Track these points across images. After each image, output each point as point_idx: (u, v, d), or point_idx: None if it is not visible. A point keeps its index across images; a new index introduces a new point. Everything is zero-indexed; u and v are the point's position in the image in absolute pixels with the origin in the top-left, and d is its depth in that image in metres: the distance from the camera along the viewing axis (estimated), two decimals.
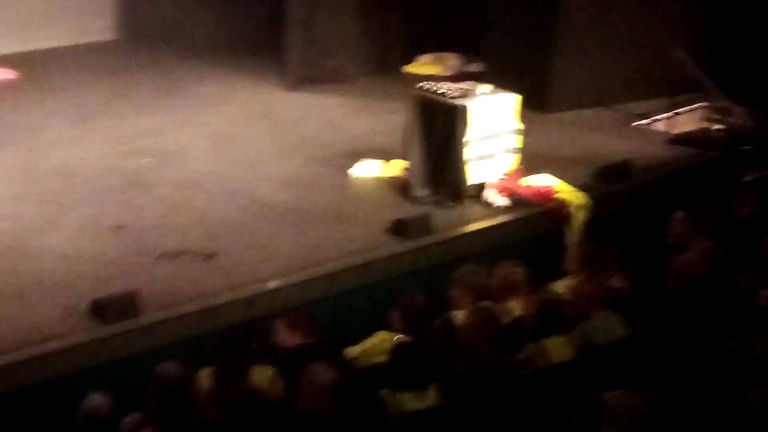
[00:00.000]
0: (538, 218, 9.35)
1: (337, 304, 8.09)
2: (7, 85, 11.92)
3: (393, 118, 10.39)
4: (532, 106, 11.28)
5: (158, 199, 9.31)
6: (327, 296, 8.08)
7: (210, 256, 8.24)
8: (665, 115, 12.08)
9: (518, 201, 9.40)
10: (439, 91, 9.47)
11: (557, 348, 6.84)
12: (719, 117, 12.10)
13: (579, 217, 9.45)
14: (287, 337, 6.91)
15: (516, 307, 7.42)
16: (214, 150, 10.48)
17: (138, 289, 7.50)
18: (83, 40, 13.63)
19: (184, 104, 11.71)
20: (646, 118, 12.09)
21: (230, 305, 7.66)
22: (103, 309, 7.30)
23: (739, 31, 12.96)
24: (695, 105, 12.61)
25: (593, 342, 7.02)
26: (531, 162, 9.90)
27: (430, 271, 8.52)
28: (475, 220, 9.17)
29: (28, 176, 9.64)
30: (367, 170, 9.92)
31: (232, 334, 6.95)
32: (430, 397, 6.21)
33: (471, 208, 9.35)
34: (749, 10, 12.90)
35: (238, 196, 9.41)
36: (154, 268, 8.08)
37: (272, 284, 7.87)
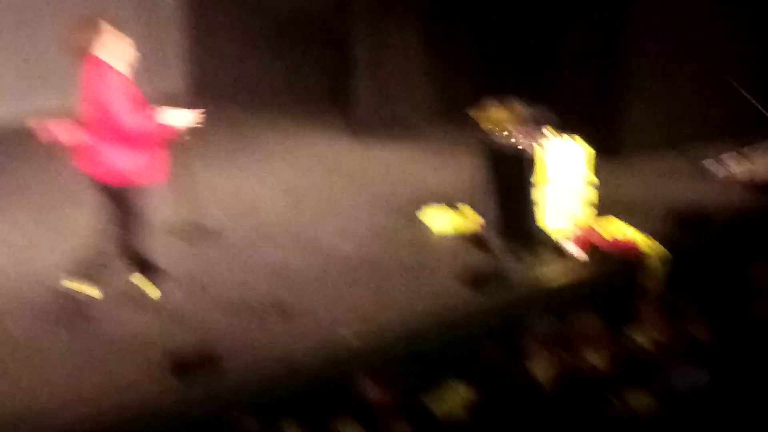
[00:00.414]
0: (615, 269, 9.23)
1: (416, 359, 8.01)
2: None
3: (463, 166, 10.34)
4: (604, 152, 11.19)
5: (232, 253, 9.31)
6: (405, 351, 8.00)
7: (287, 313, 8.21)
8: (741, 158, 11.94)
9: (596, 252, 9.29)
10: (509, 138, 9.40)
11: (639, 400, 6.72)
12: None
13: (657, 268, 9.33)
14: (373, 392, 6.86)
15: (595, 357, 7.34)
16: (286, 203, 10.49)
17: (216, 346, 7.46)
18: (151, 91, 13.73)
19: (253, 158, 11.76)
20: (721, 163, 11.94)
21: (309, 361, 7.61)
22: (183, 366, 7.27)
23: None
24: None
25: (675, 392, 6.92)
26: (608, 211, 9.81)
27: (508, 324, 8.43)
28: (553, 272, 9.08)
29: None
30: (441, 221, 9.87)
31: (315, 390, 6.92)
32: None
33: (548, 259, 9.27)
34: None
35: (312, 249, 9.39)
36: (231, 322, 8.07)
37: (351, 340, 7.81)
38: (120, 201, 7.94)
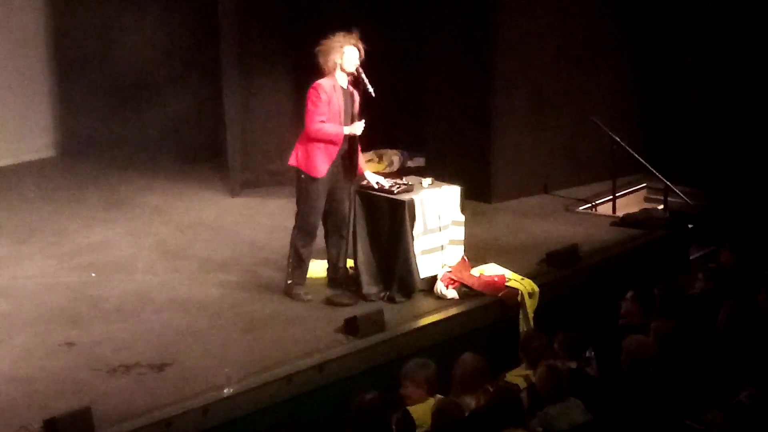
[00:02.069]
0: (489, 308, 9.35)
1: (293, 407, 8.02)
2: None
3: None
4: (476, 197, 11.43)
5: (106, 312, 9.22)
6: (283, 400, 7.99)
7: (163, 367, 8.15)
8: (607, 198, 12.23)
9: (468, 292, 9.41)
10: (383, 187, 9.51)
11: None
12: (660, 197, 12.26)
13: (529, 305, 9.47)
14: None
15: (473, 399, 7.40)
16: (160, 260, 10.42)
17: (91, 406, 7.36)
18: (24, 158, 13.61)
19: (128, 216, 11.65)
20: (589, 203, 12.22)
21: (185, 415, 7.54)
22: (56, 428, 7.15)
23: (674, 112, 13.20)
24: (636, 187, 12.79)
25: (553, 430, 6.99)
26: (478, 252, 9.99)
27: (386, 368, 8.48)
28: (427, 314, 9.15)
29: None
30: (316, 271, 9.89)
31: None
32: None
33: (422, 302, 9.36)
34: (682, 90, 13.14)
35: (187, 305, 9.34)
36: (107, 383, 7.96)
37: (227, 391, 7.77)
38: None
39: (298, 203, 9.37)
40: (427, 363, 7.64)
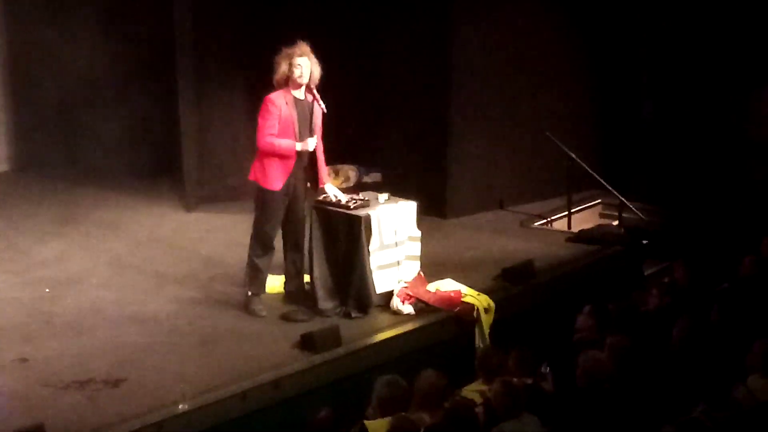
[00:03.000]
0: (445, 324, 9.36)
1: (249, 424, 7.98)
2: None
3: None
4: (432, 212, 11.47)
5: (59, 328, 9.14)
6: (238, 416, 7.95)
7: (117, 383, 8.08)
8: (562, 214, 12.29)
9: (424, 308, 9.41)
10: (339, 203, 9.50)
11: None
12: (615, 213, 12.34)
13: (485, 320, 9.49)
14: None
15: (428, 415, 7.38)
16: (115, 275, 10.36)
17: (44, 423, 7.29)
18: None
19: (82, 231, 11.59)
20: (545, 218, 12.28)
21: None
22: None
23: (628, 128, 13.31)
24: (591, 203, 12.88)
25: None
26: (434, 267, 10.00)
27: (342, 383, 8.46)
28: (383, 329, 9.15)
29: None
30: (272, 286, 9.87)
31: None
32: None
33: (378, 317, 9.36)
34: (637, 108, 13.25)
35: (142, 320, 9.28)
36: (60, 399, 7.88)
37: (182, 407, 7.73)
38: None
39: (255, 215, 9.38)
40: (396, 381, 7.56)
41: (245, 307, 9.40)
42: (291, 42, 9.25)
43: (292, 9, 12.36)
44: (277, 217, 9.32)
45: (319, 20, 12.15)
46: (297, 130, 9.16)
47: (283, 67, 9.11)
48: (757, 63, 12.42)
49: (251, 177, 9.29)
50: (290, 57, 9.10)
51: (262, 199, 9.28)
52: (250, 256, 9.39)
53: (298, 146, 9.15)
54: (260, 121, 9.11)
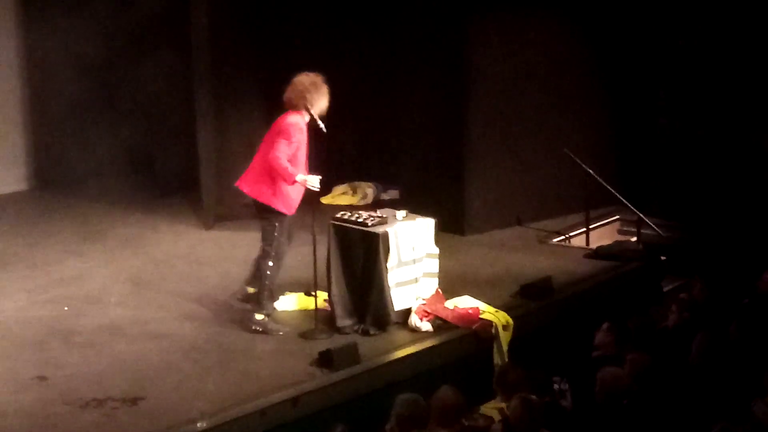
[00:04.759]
0: (463, 341, 9.35)
1: None
2: None
3: (312, 249, 10.39)
4: (450, 229, 11.46)
5: (79, 346, 9.17)
6: None
7: (136, 401, 8.10)
8: (581, 230, 12.27)
9: (442, 325, 9.41)
10: (357, 220, 9.52)
11: None
12: (633, 229, 12.32)
13: (503, 337, 9.48)
14: None
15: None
16: (134, 293, 10.39)
17: None
18: None
19: (101, 249, 11.63)
20: (563, 235, 12.26)
21: None
22: None
23: (645, 144, 13.30)
24: (609, 219, 12.86)
25: None
26: (453, 285, 10.00)
27: (360, 400, 8.46)
28: (401, 346, 9.15)
29: None
30: (290, 304, 9.89)
31: None
32: None
33: (396, 334, 9.36)
34: (653, 123, 13.24)
35: (161, 338, 9.31)
36: (79, 417, 7.90)
37: (201, 425, 7.74)
38: None
39: (272, 238, 9.35)
40: (415, 400, 7.54)
41: (262, 329, 9.37)
42: (308, 64, 9.30)
43: (309, 30, 12.39)
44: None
45: (336, 39, 12.19)
46: (304, 154, 9.22)
47: (307, 95, 9.14)
48: None
49: (264, 201, 9.26)
50: (316, 85, 9.18)
51: (279, 221, 9.29)
52: (269, 278, 9.39)
53: (299, 178, 9.14)
54: (282, 142, 9.08)
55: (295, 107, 9.19)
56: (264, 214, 9.33)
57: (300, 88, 9.18)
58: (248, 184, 9.33)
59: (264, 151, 9.21)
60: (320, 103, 9.20)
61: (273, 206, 9.22)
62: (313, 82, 9.19)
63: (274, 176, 9.14)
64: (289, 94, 9.21)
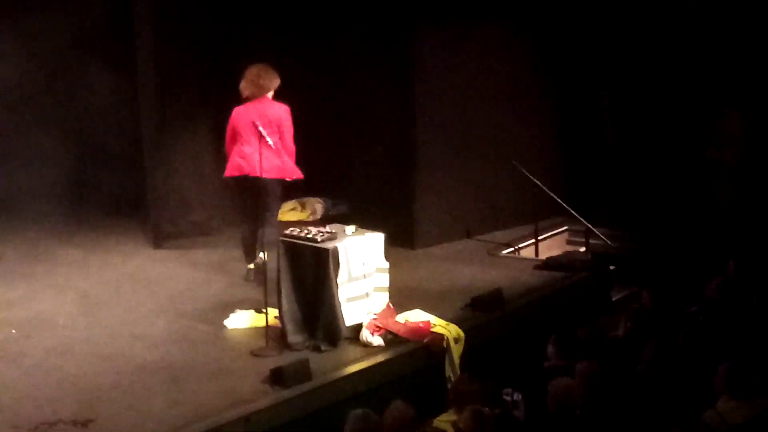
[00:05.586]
0: (414, 354, 9.34)
1: None
2: None
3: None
4: (400, 243, 11.48)
5: (28, 369, 9.06)
6: None
7: (86, 423, 8.02)
8: (530, 242, 12.33)
9: (394, 339, 9.41)
10: (306, 236, 9.50)
11: None
12: (581, 239, 12.39)
13: (455, 350, 9.49)
14: None
15: None
16: (83, 314, 10.30)
17: None
18: None
19: (48, 270, 11.53)
20: (512, 247, 12.31)
21: None
22: None
23: (593, 155, 13.39)
24: (558, 230, 12.93)
25: None
26: (403, 298, 10.00)
27: (313, 417, 8.44)
28: (353, 362, 9.12)
29: None
30: (240, 321, 9.85)
31: None
32: None
33: (348, 350, 9.33)
34: (600, 133, 13.34)
35: (111, 358, 9.22)
36: None
37: None
38: None
39: (278, 202, 10.96)
40: (368, 415, 7.53)
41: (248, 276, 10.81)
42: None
43: (257, 45, 12.36)
44: None
45: (282, 53, 12.17)
46: None
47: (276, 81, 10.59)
48: (718, 85, 12.52)
49: (277, 176, 10.53)
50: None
51: (282, 188, 10.77)
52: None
53: None
54: (291, 125, 10.60)
55: (268, 90, 10.56)
56: (276, 188, 10.66)
57: (270, 73, 10.57)
58: (268, 172, 10.35)
59: (273, 138, 10.27)
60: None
61: (289, 177, 10.66)
62: (267, 65, 10.62)
63: (282, 154, 10.50)
64: (263, 81, 10.54)
